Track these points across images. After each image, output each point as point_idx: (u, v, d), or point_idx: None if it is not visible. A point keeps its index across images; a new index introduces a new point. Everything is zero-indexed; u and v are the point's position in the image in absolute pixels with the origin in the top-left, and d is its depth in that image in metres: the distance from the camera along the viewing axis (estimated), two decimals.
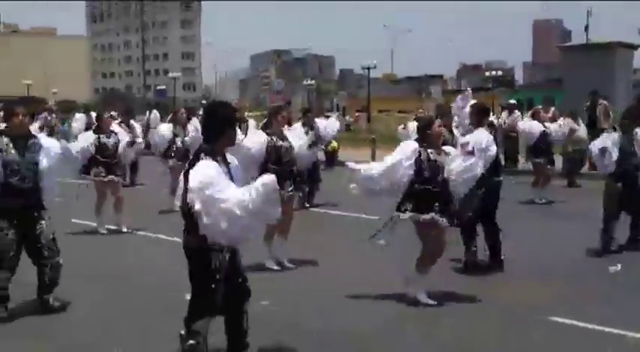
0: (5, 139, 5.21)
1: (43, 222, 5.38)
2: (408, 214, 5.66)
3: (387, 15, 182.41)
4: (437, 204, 5.59)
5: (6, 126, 5.38)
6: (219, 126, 3.93)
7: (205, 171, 3.71)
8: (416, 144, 5.71)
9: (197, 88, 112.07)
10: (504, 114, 16.20)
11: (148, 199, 11.50)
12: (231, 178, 3.89)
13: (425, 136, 5.76)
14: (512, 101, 17.44)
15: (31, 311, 5.47)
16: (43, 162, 5.35)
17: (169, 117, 12.79)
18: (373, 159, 18.85)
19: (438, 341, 4.94)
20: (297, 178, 7.14)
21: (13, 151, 5.19)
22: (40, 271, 5.42)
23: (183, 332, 3.93)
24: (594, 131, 13.67)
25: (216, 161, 3.83)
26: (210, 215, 3.63)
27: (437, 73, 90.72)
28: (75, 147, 8.84)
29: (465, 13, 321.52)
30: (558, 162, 13.98)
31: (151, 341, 4.93)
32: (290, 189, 6.89)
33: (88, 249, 8.19)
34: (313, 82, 73.94)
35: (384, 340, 4.95)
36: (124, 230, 9.09)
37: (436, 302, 5.66)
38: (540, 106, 12.60)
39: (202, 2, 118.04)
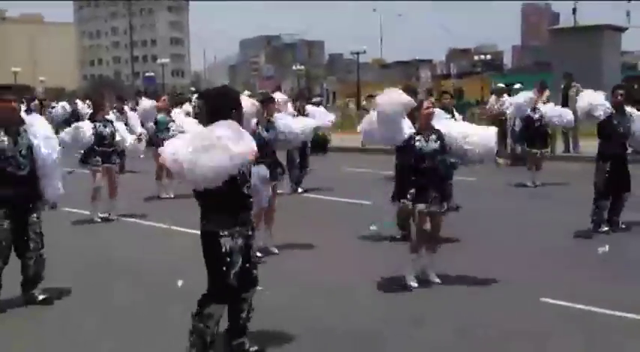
0: None
1: (35, 214, 5.34)
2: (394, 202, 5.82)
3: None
4: (413, 191, 5.63)
5: None
6: (225, 111, 3.90)
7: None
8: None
9: (186, 74, 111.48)
10: (492, 98, 16.21)
11: (136, 186, 11.50)
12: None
13: (414, 118, 5.78)
14: (501, 85, 17.44)
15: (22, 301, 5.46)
16: (40, 145, 5.27)
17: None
18: (363, 144, 18.90)
19: (427, 322, 4.99)
20: (279, 167, 7.12)
21: (4, 138, 5.13)
22: (25, 264, 5.36)
23: (196, 310, 3.93)
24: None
25: None
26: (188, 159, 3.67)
27: (426, 58, 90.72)
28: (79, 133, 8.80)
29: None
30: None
31: (147, 327, 4.95)
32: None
33: (81, 237, 8.19)
34: (302, 67, 73.70)
35: (374, 327, 4.99)
36: (113, 218, 9.10)
37: (416, 285, 5.74)
38: (534, 90, 12.55)
39: None
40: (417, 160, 5.67)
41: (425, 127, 5.76)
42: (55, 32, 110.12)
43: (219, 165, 3.62)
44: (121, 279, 6.20)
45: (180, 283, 5.28)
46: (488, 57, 57.81)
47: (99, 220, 9.02)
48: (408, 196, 5.62)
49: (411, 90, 7.41)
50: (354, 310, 5.30)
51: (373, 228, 7.85)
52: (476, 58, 57.11)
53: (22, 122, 5.34)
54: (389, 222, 7.26)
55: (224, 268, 3.86)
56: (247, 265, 4.04)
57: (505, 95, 15.99)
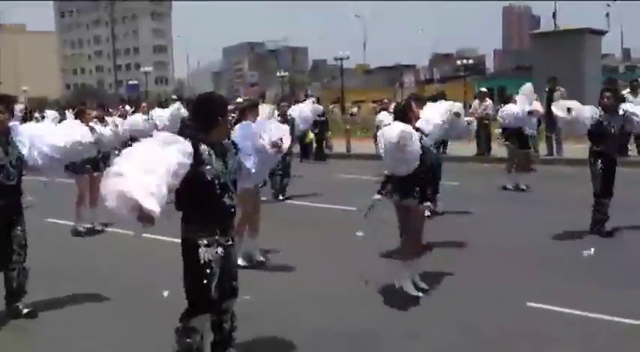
0: None
1: (19, 227, 5.28)
2: (389, 197, 5.72)
3: (360, 4, 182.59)
4: (417, 189, 5.60)
5: None
6: (211, 116, 3.87)
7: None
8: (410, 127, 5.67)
9: (169, 81, 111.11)
10: (476, 102, 16.31)
11: None
12: (227, 167, 3.91)
13: (406, 118, 5.76)
14: (483, 89, 17.57)
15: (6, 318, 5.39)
16: (28, 152, 5.22)
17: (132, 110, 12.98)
18: (348, 150, 18.95)
19: (411, 327, 4.97)
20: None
21: None
22: (7, 277, 5.29)
23: (179, 326, 3.88)
24: (551, 116, 13.85)
25: (204, 152, 3.78)
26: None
27: (410, 63, 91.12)
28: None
29: (437, 1, 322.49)
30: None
31: (132, 340, 4.90)
32: (261, 185, 6.85)
33: (65, 248, 8.10)
34: (286, 73, 73.73)
35: (368, 331, 4.97)
36: (98, 228, 9.01)
37: (421, 294, 5.65)
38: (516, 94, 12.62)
39: None
40: (421, 157, 5.61)
41: (415, 126, 5.76)
42: (37, 41, 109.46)
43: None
44: (106, 290, 6.10)
45: (166, 294, 5.23)
46: (471, 61, 58.13)
47: (83, 230, 8.92)
48: (415, 195, 5.58)
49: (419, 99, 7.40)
50: (344, 314, 5.28)
51: (360, 234, 7.84)
52: (458, 62, 57.40)
53: (9, 131, 5.25)
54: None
55: (204, 281, 3.80)
56: (226, 277, 3.97)
57: (487, 99, 16.11)
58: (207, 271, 3.80)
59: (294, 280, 6.34)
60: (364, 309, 5.45)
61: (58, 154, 5.37)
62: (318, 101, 22.97)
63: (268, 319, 5.08)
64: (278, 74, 70.87)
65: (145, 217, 3.36)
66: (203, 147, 3.79)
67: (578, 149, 8.02)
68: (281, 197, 11.27)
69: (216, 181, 3.82)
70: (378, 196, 5.87)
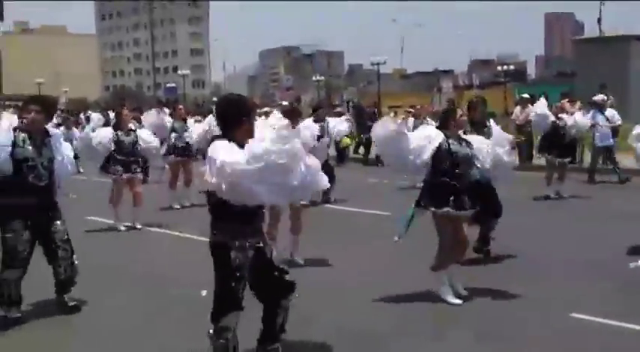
0: (22, 135, 5.16)
1: (58, 222, 5.35)
2: (426, 209, 5.63)
3: (398, 9, 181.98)
4: (453, 198, 5.51)
5: (21, 123, 5.31)
6: (236, 117, 3.84)
7: (212, 149, 3.68)
8: (441, 134, 5.61)
9: (206, 85, 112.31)
10: (517, 108, 16.05)
11: (160, 196, 11.50)
12: None
13: (448, 125, 5.67)
14: (525, 95, 17.29)
15: (51, 310, 5.48)
16: (64, 161, 5.42)
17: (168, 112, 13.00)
18: (378, 157, 18.84)
19: (453, 338, 4.88)
20: None
21: (30, 147, 5.15)
22: (56, 271, 5.40)
23: (211, 330, 3.87)
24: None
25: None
26: (224, 178, 3.54)
27: (447, 68, 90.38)
28: (95, 139, 8.91)
29: (477, 6, 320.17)
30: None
31: (171, 336, 4.92)
32: None
33: (104, 246, 8.18)
34: (322, 78, 73.84)
35: (397, 338, 4.90)
36: (138, 227, 9.11)
37: (460, 302, 5.56)
38: (566, 100, 12.36)
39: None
40: (452, 165, 5.54)
41: (456, 134, 5.69)
42: (78, 43, 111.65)
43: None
44: (146, 288, 6.19)
45: (204, 293, 5.24)
46: (512, 67, 57.29)
47: (123, 229, 9.03)
48: (450, 203, 5.49)
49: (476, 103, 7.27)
50: (379, 319, 5.21)
51: (397, 239, 7.75)
52: (499, 68, 56.61)
53: (47, 134, 5.37)
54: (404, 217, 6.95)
55: (232, 283, 3.81)
56: (276, 273, 3.99)
57: (529, 105, 15.83)
58: (237, 274, 3.82)
59: (325, 282, 6.28)
60: (399, 315, 5.37)
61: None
62: (359, 107, 23.01)
63: (302, 322, 5.03)
64: (314, 78, 71.03)
65: None
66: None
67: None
68: (319, 201, 11.19)
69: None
70: (414, 209, 5.75)
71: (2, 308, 5.18)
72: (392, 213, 9.73)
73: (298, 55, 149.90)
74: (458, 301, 5.57)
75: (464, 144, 5.67)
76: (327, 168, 11.04)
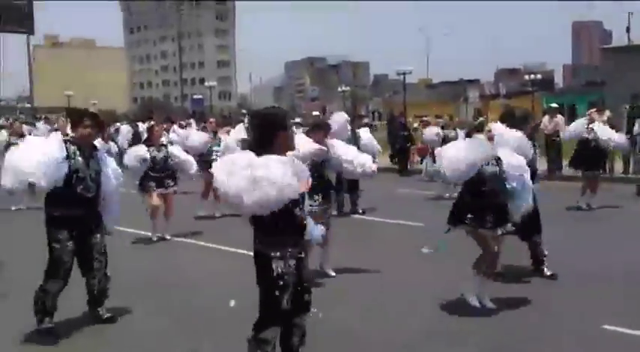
0: (73, 147, 5.21)
1: (98, 234, 5.42)
2: (463, 226, 5.62)
3: (423, 18, 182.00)
4: (491, 215, 5.49)
5: (72, 135, 5.35)
6: (272, 132, 3.82)
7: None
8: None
9: (232, 96, 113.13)
10: (546, 118, 15.89)
11: (189, 206, 11.60)
12: None
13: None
14: (554, 105, 17.12)
15: (86, 321, 5.53)
16: (109, 174, 5.44)
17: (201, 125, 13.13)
18: (406, 166, 18.78)
19: (481, 349, 4.83)
20: (329, 190, 6.99)
21: (80, 159, 5.20)
22: (89, 283, 5.44)
23: (251, 337, 3.84)
24: (633, 136, 13.38)
25: None
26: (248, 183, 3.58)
27: (473, 78, 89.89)
28: (133, 157, 9.03)
29: (503, 15, 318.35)
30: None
31: (200, 346, 4.94)
32: (318, 202, 6.74)
33: (134, 256, 8.26)
34: (348, 88, 73.93)
35: (426, 348, 4.86)
36: (167, 237, 9.20)
37: (479, 305, 5.57)
38: (594, 110, 12.19)
39: (236, 11, 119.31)
40: (478, 182, 5.51)
41: None
42: (106, 56, 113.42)
43: (267, 200, 3.56)
44: (177, 298, 6.23)
45: (232, 303, 5.26)
46: (539, 76, 56.75)
47: (155, 240, 9.12)
48: (467, 221, 5.51)
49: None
50: (411, 329, 5.19)
51: (425, 250, 7.72)
52: (526, 77, 56.10)
53: (95, 147, 5.45)
54: (442, 242, 7.02)
55: (276, 292, 3.78)
56: (299, 288, 3.94)
57: (558, 115, 15.68)
58: (280, 283, 3.78)
59: (359, 295, 6.27)
60: (428, 324, 5.34)
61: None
62: (380, 116, 23.00)
63: (334, 333, 5.03)
64: (339, 89, 71.16)
65: None
66: None
67: None
68: (346, 210, 11.18)
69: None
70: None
71: (37, 318, 5.23)
72: (423, 223, 9.73)
73: (324, 65, 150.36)
74: (476, 303, 5.60)
75: (491, 161, 5.59)
76: (353, 181, 11.08)
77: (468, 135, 5.76)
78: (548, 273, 6.64)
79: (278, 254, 3.79)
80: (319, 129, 6.91)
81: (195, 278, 7.05)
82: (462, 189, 5.74)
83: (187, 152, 10.18)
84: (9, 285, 6.68)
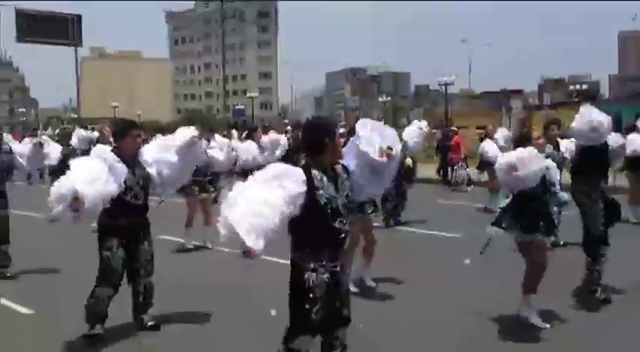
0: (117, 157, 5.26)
1: (146, 242, 5.51)
2: (509, 232, 5.53)
3: (465, 29, 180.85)
4: (542, 223, 5.41)
5: (116, 146, 5.45)
6: (319, 142, 3.85)
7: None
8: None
9: (273, 106, 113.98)
10: None
11: None
12: (339, 191, 3.85)
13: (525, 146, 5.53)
14: None
15: (130, 328, 5.60)
16: (153, 173, 5.48)
17: (244, 134, 13.26)
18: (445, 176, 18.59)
19: None
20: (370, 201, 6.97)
21: (126, 170, 5.26)
22: (135, 291, 5.53)
23: (281, 348, 3.86)
24: None
25: (315, 176, 3.76)
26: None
27: (516, 88, 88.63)
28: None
29: (546, 26, 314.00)
30: None
31: None
32: (370, 211, 6.79)
33: (175, 264, 8.38)
34: (388, 98, 73.77)
35: None
36: (209, 246, 9.30)
37: (550, 326, 5.42)
38: None
39: (279, 22, 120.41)
40: (530, 190, 5.42)
41: None
42: (151, 68, 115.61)
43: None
44: (219, 306, 6.27)
45: (274, 312, 5.30)
46: (584, 86, 55.74)
47: (191, 247, 9.23)
48: (541, 229, 5.41)
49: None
50: (459, 344, 5.11)
51: (467, 261, 7.66)
52: (571, 87, 55.17)
53: (137, 154, 5.51)
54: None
55: (306, 305, 3.76)
56: (337, 304, 3.91)
57: None
58: (310, 296, 3.77)
59: (400, 307, 6.24)
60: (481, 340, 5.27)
61: (175, 172, 5.61)
62: (442, 127, 22.76)
63: (377, 346, 5.01)
64: (380, 99, 71.10)
65: (247, 252, 3.61)
66: (315, 173, 3.77)
67: None
68: (392, 223, 11.11)
69: (329, 206, 3.78)
70: (494, 229, 5.63)
71: (89, 324, 5.29)
72: (462, 235, 9.65)
73: (364, 76, 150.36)
74: (546, 325, 5.42)
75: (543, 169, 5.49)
76: (400, 188, 11.00)
77: (518, 145, 5.63)
78: (602, 297, 6.29)
79: (312, 266, 3.78)
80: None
81: (235, 286, 7.10)
82: (514, 196, 5.60)
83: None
84: (61, 291, 6.85)
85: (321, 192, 3.76)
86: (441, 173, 19.08)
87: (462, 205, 13.32)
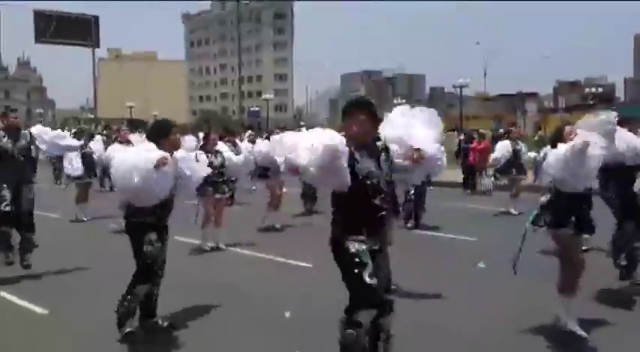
0: None
1: (166, 243, 5.52)
2: (543, 228, 5.37)
3: (481, 31, 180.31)
4: (572, 219, 5.25)
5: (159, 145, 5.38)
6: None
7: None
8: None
9: (288, 108, 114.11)
10: None
11: (246, 216, 11.74)
12: (381, 168, 3.92)
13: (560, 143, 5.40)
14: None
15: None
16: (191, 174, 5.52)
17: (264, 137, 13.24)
18: (465, 182, 18.39)
19: None
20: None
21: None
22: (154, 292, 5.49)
23: (343, 318, 3.79)
24: None
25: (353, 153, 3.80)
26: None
27: (531, 91, 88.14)
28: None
29: (560, 29, 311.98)
30: None
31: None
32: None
33: (189, 265, 8.40)
34: (403, 101, 73.57)
35: None
36: (222, 247, 9.31)
37: (587, 335, 5.20)
38: None
39: (295, 24, 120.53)
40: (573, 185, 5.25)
41: None
42: (167, 69, 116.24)
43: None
44: (230, 308, 6.26)
45: (288, 314, 5.28)
46: (600, 89, 55.28)
47: (208, 249, 9.24)
48: (570, 225, 5.25)
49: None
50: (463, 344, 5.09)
51: (481, 265, 7.62)
52: (587, 90, 54.74)
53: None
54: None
55: (356, 270, 3.72)
56: (379, 283, 3.82)
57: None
58: (357, 260, 3.74)
59: (408, 306, 6.21)
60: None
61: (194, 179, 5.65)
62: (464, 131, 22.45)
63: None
64: (395, 102, 70.98)
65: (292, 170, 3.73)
66: (353, 148, 3.79)
67: None
68: (409, 225, 11.03)
69: (368, 182, 3.81)
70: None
71: (119, 321, 5.21)
72: (478, 238, 9.60)
73: (379, 78, 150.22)
74: (576, 329, 5.21)
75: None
76: (419, 191, 10.91)
77: (554, 145, 5.50)
78: None
79: (350, 237, 3.78)
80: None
81: (250, 287, 7.09)
82: (552, 193, 5.41)
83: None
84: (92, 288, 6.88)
85: (359, 165, 3.78)
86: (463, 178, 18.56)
87: (481, 209, 13.24)
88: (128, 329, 5.23)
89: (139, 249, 5.25)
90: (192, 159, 5.74)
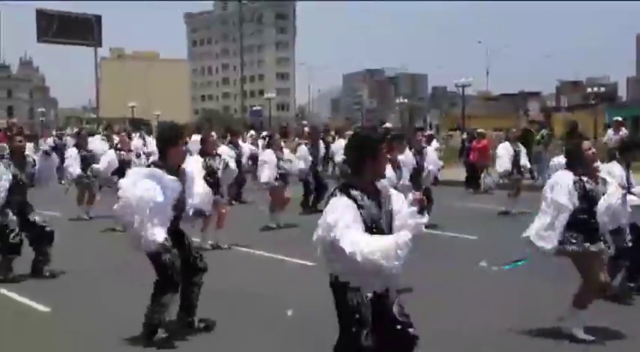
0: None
1: (188, 243, 5.52)
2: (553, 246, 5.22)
3: (483, 31, 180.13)
4: (575, 234, 5.16)
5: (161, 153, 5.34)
6: (360, 159, 3.62)
7: (332, 210, 3.49)
8: (572, 177, 5.21)
9: (290, 107, 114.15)
10: (610, 131, 15.47)
11: (246, 215, 11.75)
12: (381, 209, 3.64)
13: (579, 161, 5.28)
14: (618, 118, 16.65)
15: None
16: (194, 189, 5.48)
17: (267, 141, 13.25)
18: (467, 181, 18.41)
19: None
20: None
21: (174, 178, 5.17)
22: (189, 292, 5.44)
23: None
24: None
25: (356, 197, 3.53)
26: (331, 254, 3.46)
27: (534, 90, 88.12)
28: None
29: (563, 28, 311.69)
30: None
31: None
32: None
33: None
34: (405, 100, 73.64)
35: None
36: (224, 246, 9.30)
37: (593, 338, 5.16)
38: None
39: (297, 23, 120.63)
40: (590, 203, 5.17)
41: (591, 173, 5.28)
42: (169, 68, 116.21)
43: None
44: (231, 305, 6.26)
45: (289, 312, 5.29)
46: (602, 89, 55.11)
47: (209, 248, 9.23)
48: (573, 240, 5.16)
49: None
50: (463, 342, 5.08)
51: (483, 264, 7.60)
52: (589, 89, 54.60)
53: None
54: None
55: (353, 328, 3.48)
56: (397, 326, 3.63)
57: (622, 128, 15.25)
58: (357, 316, 3.50)
59: (419, 310, 6.20)
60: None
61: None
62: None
63: None
64: (397, 101, 70.99)
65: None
66: (354, 193, 3.53)
67: None
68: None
69: (373, 226, 3.56)
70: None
71: (147, 331, 5.17)
72: (478, 237, 9.60)
73: (382, 78, 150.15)
74: (589, 337, 5.15)
75: (600, 181, 5.31)
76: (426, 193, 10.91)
77: (570, 158, 5.37)
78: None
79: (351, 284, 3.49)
80: (401, 140, 6.97)
81: (252, 286, 7.09)
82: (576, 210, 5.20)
83: None
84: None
85: (365, 211, 3.54)
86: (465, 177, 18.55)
87: (482, 207, 13.23)
88: (161, 336, 5.15)
89: (157, 260, 5.10)
90: (195, 184, 5.52)
